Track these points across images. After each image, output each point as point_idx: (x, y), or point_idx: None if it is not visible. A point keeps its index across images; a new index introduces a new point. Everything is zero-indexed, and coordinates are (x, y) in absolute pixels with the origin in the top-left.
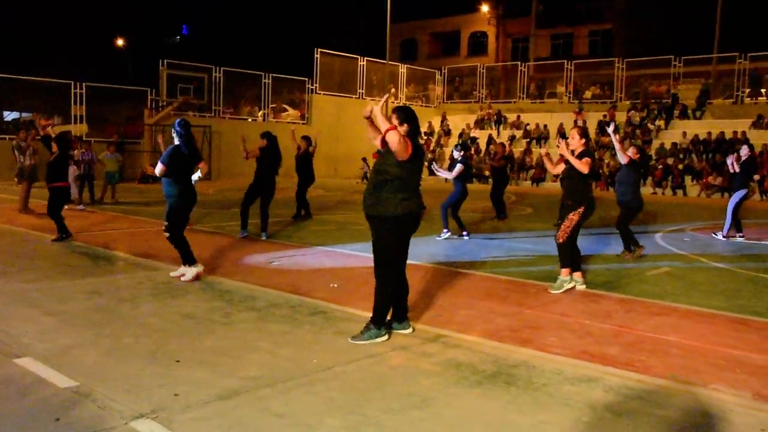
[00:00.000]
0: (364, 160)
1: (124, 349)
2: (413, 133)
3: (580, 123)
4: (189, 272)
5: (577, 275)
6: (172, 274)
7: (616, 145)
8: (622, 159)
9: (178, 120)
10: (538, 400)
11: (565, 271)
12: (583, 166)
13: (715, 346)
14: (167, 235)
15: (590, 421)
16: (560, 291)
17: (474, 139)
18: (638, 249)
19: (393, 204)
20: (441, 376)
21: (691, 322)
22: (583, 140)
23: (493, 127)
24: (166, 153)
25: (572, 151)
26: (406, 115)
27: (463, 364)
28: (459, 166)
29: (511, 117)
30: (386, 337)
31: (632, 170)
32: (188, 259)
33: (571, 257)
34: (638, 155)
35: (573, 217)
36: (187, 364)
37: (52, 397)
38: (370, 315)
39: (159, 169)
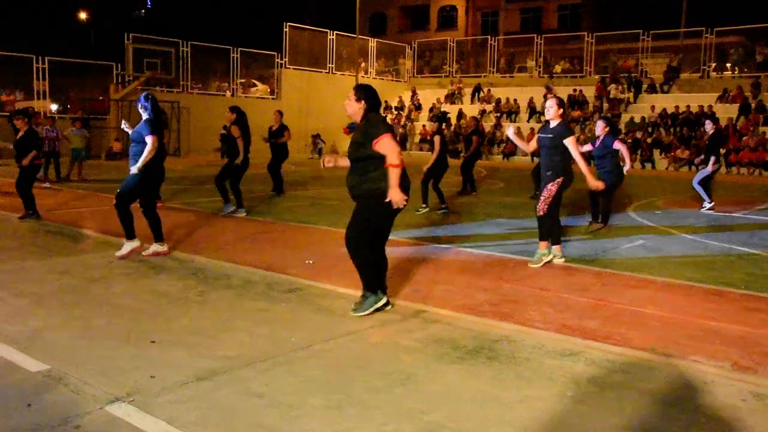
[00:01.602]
0: (318, 137)
1: (96, 331)
2: (372, 109)
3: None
4: (126, 246)
5: (557, 248)
6: (144, 253)
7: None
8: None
9: (143, 94)
10: (522, 375)
11: (543, 244)
12: (576, 147)
13: (692, 318)
14: (115, 202)
15: (575, 395)
16: (539, 265)
17: (445, 114)
18: (596, 224)
19: (379, 182)
20: (422, 352)
21: (667, 294)
22: (561, 110)
23: (462, 102)
24: (148, 125)
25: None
26: (364, 93)
27: (444, 340)
28: (436, 138)
29: (481, 92)
30: (385, 298)
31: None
32: (129, 233)
33: (550, 230)
34: (608, 128)
35: (552, 187)
36: (163, 344)
37: (23, 382)
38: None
39: (152, 141)
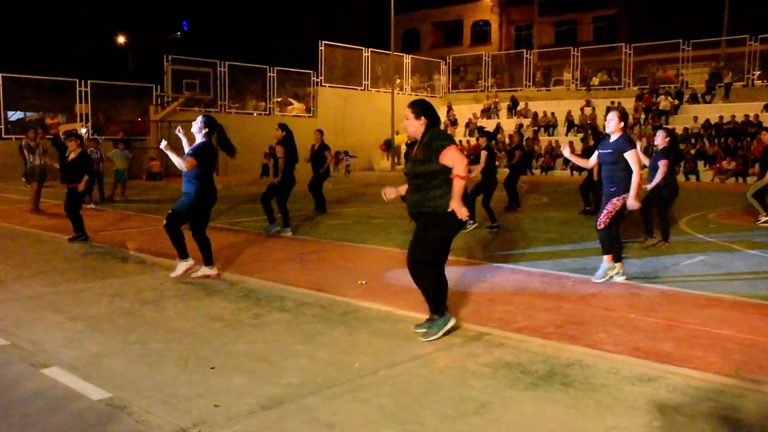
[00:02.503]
0: (346, 153)
1: (154, 356)
2: (434, 123)
3: (587, 109)
4: (180, 266)
5: (618, 265)
6: (193, 275)
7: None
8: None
9: (203, 118)
10: (601, 403)
11: (608, 258)
12: (637, 162)
13: None
14: (165, 222)
15: (663, 425)
16: (603, 280)
17: (494, 132)
18: (651, 239)
19: (444, 199)
20: (492, 378)
21: (740, 313)
22: (622, 123)
23: (499, 117)
24: (194, 148)
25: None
26: (422, 109)
27: (513, 364)
28: (483, 153)
29: (519, 105)
30: (453, 320)
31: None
32: (181, 253)
33: (612, 244)
34: (668, 139)
35: (617, 202)
36: (223, 370)
37: (86, 411)
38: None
39: (185, 163)
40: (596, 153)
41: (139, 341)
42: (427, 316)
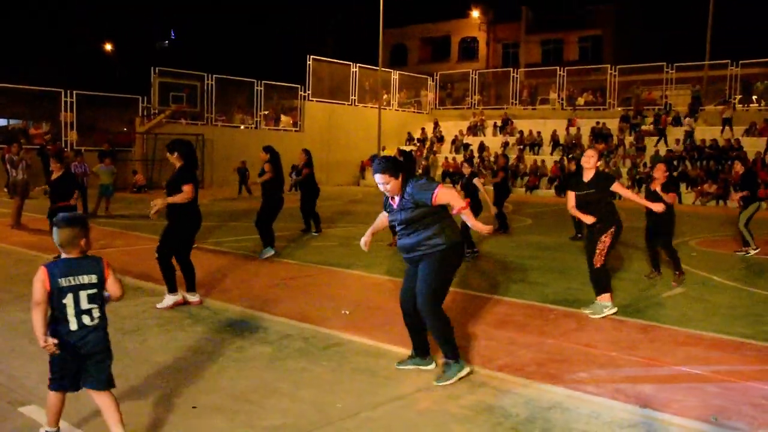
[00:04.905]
0: (243, 164)
1: (136, 393)
2: (410, 175)
3: (572, 129)
4: (168, 299)
5: (610, 297)
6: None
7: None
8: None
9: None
10: None
11: (605, 296)
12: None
13: (751, 381)
14: (156, 255)
15: None
16: (600, 316)
17: (467, 146)
18: (656, 274)
19: (442, 235)
20: (473, 422)
21: (720, 352)
22: (599, 162)
23: (485, 134)
24: (187, 173)
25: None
26: (395, 168)
27: (495, 408)
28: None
29: (509, 125)
30: (469, 368)
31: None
32: (170, 286)
33: (607, 281)
34: (667, 173)
35: (606, 239)
36: (204, 411)
37: None
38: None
39: (189, 193)
40: (571, 195)
41: (121, 376)
42: (409, 353)
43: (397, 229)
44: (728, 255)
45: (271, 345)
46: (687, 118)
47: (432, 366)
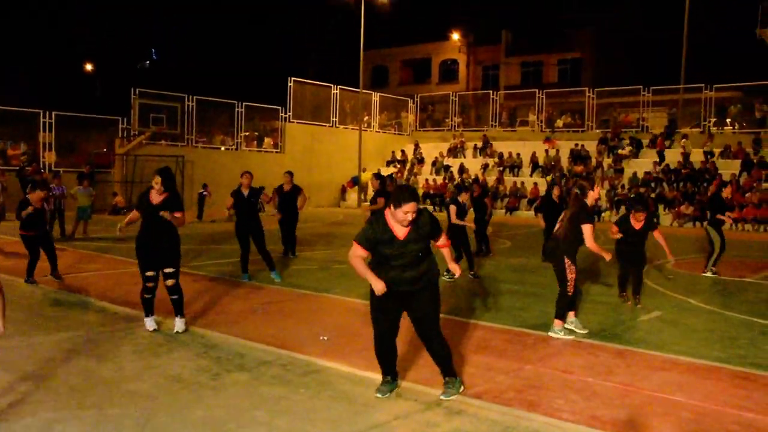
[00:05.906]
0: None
1: (110, 423)
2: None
3: (551, 151)
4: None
5: (572, 314)
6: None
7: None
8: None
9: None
10: None
11: (558, 323)
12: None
13: (724, 407)
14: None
15: None
16: (570, 337)
17: (447, 168)
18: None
19: (434, 265)
20: None
21: (694, 377)
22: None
23: (465, 156)
24: (178, 200)
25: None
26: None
27: None
28: (452, 207)
29: (489, 147)
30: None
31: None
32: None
33: (577, 301)
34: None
35: (572, 276)
36: None
37: None
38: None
39: (183, 217)
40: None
41: (95, 405)
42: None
43: (399, 262)
44: (705, 277)
45: (248, 372)
46: (684, 140)
47: (399, 384)
